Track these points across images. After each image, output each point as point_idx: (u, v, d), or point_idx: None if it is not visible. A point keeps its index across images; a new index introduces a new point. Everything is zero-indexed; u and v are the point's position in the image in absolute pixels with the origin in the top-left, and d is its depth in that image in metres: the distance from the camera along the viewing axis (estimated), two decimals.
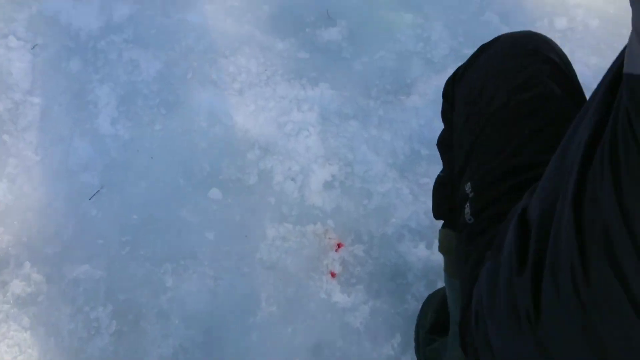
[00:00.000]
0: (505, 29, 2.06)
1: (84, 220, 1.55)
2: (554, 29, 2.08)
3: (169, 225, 1.56)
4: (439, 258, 1.34)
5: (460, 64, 2.09)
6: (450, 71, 2.03)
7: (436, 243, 1.56)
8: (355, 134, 1.74)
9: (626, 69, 0.46)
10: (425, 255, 1.54)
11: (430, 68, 1.94)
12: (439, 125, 1.91)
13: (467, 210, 0.90)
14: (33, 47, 1.83)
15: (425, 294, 1.51)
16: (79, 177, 1.62)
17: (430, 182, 1.69)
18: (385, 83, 1.89)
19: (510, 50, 1.01)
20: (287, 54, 1.92)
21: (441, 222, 1.20)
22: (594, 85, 0.68)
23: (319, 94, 1.82)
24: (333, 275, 1.51)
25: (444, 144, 1.19)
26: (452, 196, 1.03)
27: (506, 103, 0.93)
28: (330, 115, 1.78)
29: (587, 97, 1.04)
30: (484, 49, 1.07)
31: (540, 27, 2.07)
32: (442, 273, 1.22)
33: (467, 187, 0.91)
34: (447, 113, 1.15)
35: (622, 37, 2.13)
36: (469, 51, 2.16)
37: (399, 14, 2.09)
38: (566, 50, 2.10)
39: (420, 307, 1.47)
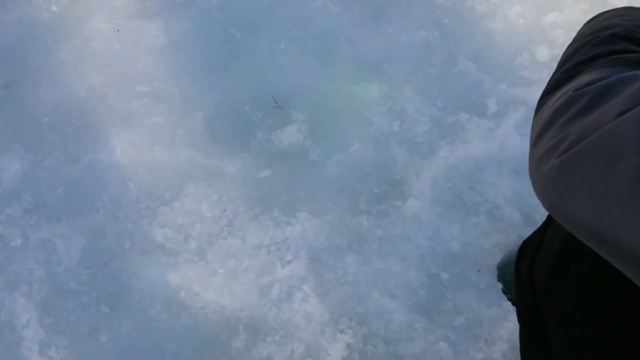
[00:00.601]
0: (486, 79, 1.68)
1: None
2: (537, 63, 1.71)
3: None
4: None
5: (446, 138, 1.51)
6: (440, 153, 1.49)
7: None
8: (357, 274, 1.33)
9: None
10: None
11: (416, 152, 1.53)
12: (447, 234, 1.49)
13: None
14: None
15: None
16: None
17: (464, 321, 1.32)
18: (371, 186, 1.47)
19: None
20: (244, 177, 1.45)
21: None
22: None
23: (299, 229, 1.38)
24: None
25: None
26: None
27: None
28: (321, 256, 1.35)
29: None
30: (569, 252, 0.72)
31: (522, 64, 1.70)
32: None
33: None
34: (532, 328, 0.79)
35: None
36: (453, 118, 1.60)
37: (360, 86, 1.65)
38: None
39: None
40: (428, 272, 1.35)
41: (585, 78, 0.54)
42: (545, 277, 0.75)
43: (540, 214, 1.44)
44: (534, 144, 0.54)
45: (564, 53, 0.75)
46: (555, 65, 1.81)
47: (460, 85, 1.65)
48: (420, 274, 1.34)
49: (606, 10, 0.78)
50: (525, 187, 1.48)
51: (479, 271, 1.36)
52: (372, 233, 1.39)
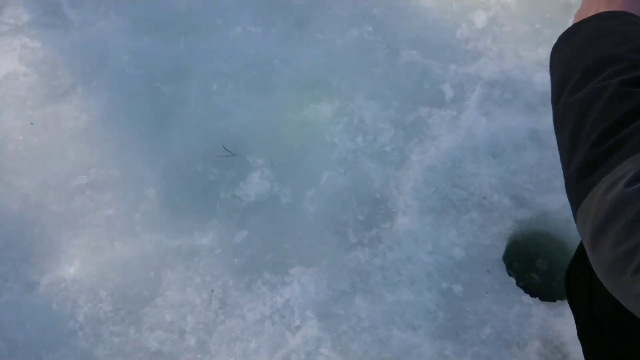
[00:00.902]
0: (434, 64, 1.58)
1: None
2: (477, 31, 1.62)
3: None
4: None
5: (414, 140, 1.37)
6: (412, 158, 1.35)
7: None
8: (371, 316, 1.24)
9: None
10: None
11: (389, 164, 1.43)
12: (446, 242, 1.37)
13: None
14: None
15: None
16: None
17: (491, 330, 1.26)
18: (355, 213, 1.37)
19: None
20: (221, 247, 1.32)
21: None
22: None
23: (296, 287, 1.27)
24: None
25: None
26: None
27: None
28: (329, 308, 1.25)
29: None
30: None
31: (464, 36, 1.60)
32: None
33: None
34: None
35: (548, 3, 1.73)
36: (413, 115, 1.47)
37: (310, 108, 1.52)
38: (507, 61, 1.67)
39: None
40: (440, 289, 1.27)
41: (632, 166, 0.46)
42: (612, 316, 0.70)
43: (529, 192, 1.38)
44: (593, 243, 0.46)
45: (555, 81, 0.64)
46: (497, 29, 1.69)
47: (410, 78, 1.55)
48: (433, 294, 1.26)
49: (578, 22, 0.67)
50: (505, 167, 1.41)
51: (488, 271, 1.30)
52: (372, 265, 1.30)
